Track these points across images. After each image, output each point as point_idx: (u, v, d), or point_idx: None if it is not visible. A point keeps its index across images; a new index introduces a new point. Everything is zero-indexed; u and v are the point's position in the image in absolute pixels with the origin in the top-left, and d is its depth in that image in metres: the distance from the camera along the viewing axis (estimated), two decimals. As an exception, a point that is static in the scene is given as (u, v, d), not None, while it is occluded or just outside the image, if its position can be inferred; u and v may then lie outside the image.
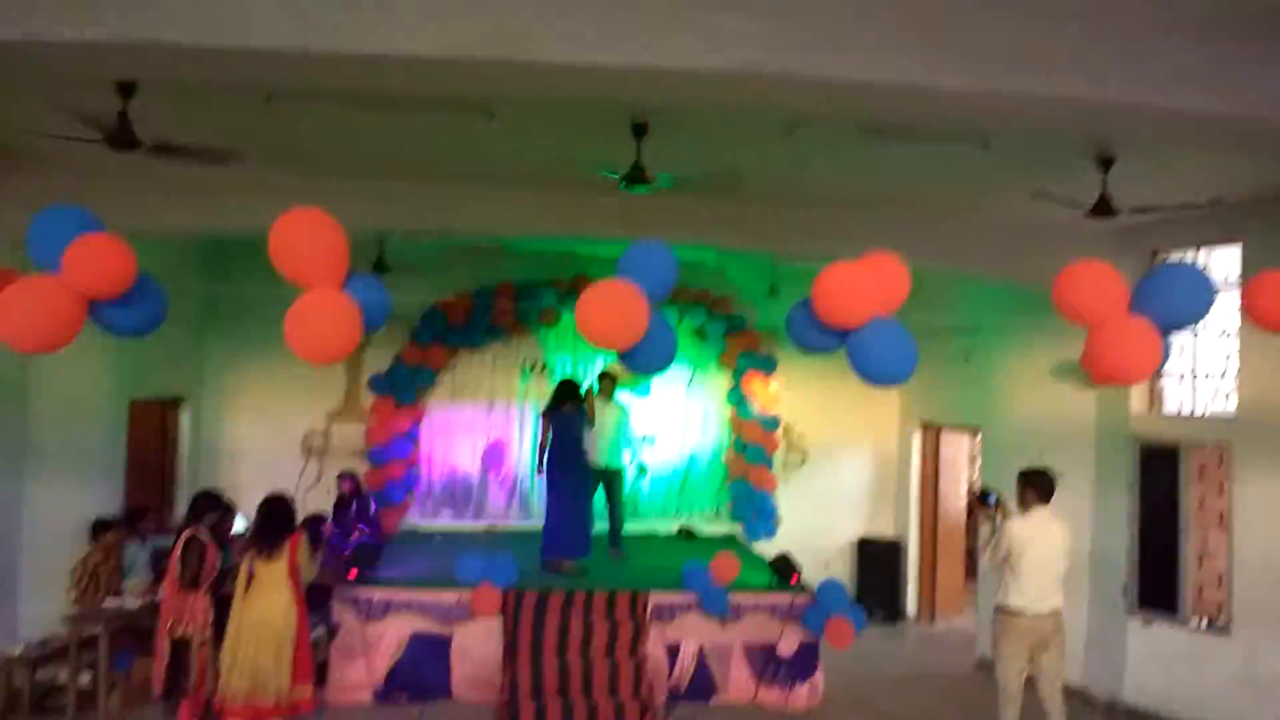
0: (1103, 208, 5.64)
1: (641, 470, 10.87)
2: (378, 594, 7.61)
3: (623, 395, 9.95)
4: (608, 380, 9.45)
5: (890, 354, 4.41)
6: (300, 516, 8.11)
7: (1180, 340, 7.44)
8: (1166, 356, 4.63)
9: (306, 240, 4.19)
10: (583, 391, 9.01)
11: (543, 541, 8.63)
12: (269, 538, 6.61)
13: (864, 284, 4.38)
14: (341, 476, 9.45)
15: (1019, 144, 5.51)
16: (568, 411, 8.71)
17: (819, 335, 4.56)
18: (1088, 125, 4.83)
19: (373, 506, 9.54)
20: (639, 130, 5.26)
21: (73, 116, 5.18)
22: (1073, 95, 4.13)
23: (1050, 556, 6.02)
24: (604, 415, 9.15)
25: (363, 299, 4.23)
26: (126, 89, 4.93)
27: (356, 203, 7.21)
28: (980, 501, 6.19)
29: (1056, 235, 7.39)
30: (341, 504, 9.25)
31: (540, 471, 8.84)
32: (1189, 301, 4.47)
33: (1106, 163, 5.53)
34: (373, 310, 4.35)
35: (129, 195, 6.65)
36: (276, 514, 6.72)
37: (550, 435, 8.74)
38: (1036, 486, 6.09)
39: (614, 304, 4.08)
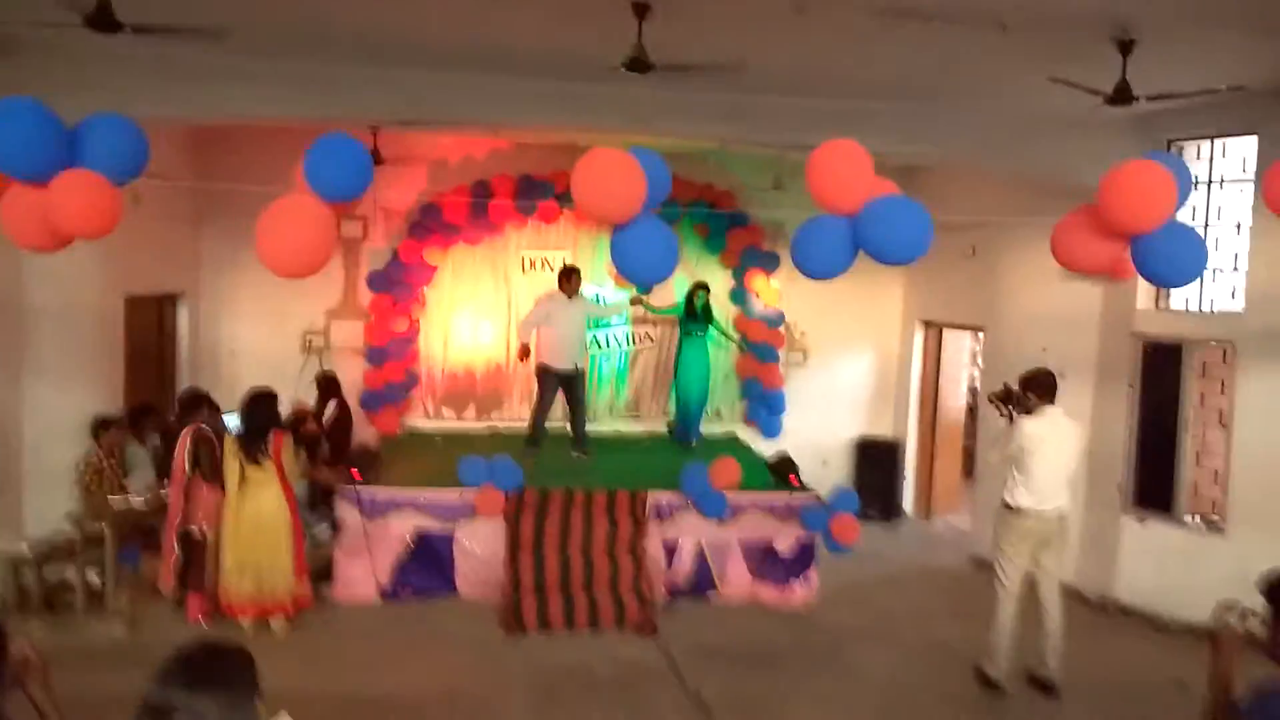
0: (1121, 94, 5.44)
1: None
2: (381, 493, 7.66)
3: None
4: (572, 275, 9.02)
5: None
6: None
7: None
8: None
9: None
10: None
11: None
12: (253, 437, 6.59)
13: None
14: (317, 381, 9.23)
15: (1038, 28, 5.28)
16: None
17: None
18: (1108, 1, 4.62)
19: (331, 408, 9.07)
20: (640, 10, 5.03)
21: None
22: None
23: (1061, 456, 6.01)
24: (566, 312, 8.86)
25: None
26: (107, -35, 4.71)
27: (349, 91, 7.01)
28: (1004, 398, 6.14)
29: (1071, 126, 7.19)
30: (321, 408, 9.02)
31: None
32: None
33: (1126, 46, 5.31)
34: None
35: (112, 83, 6.40)
36: (259, 410, 6.69)
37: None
38: (1037, 386, 6.04)
39: (612, 168, 3.97)
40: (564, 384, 9.02)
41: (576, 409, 9.18)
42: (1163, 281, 4.78)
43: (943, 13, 5.03)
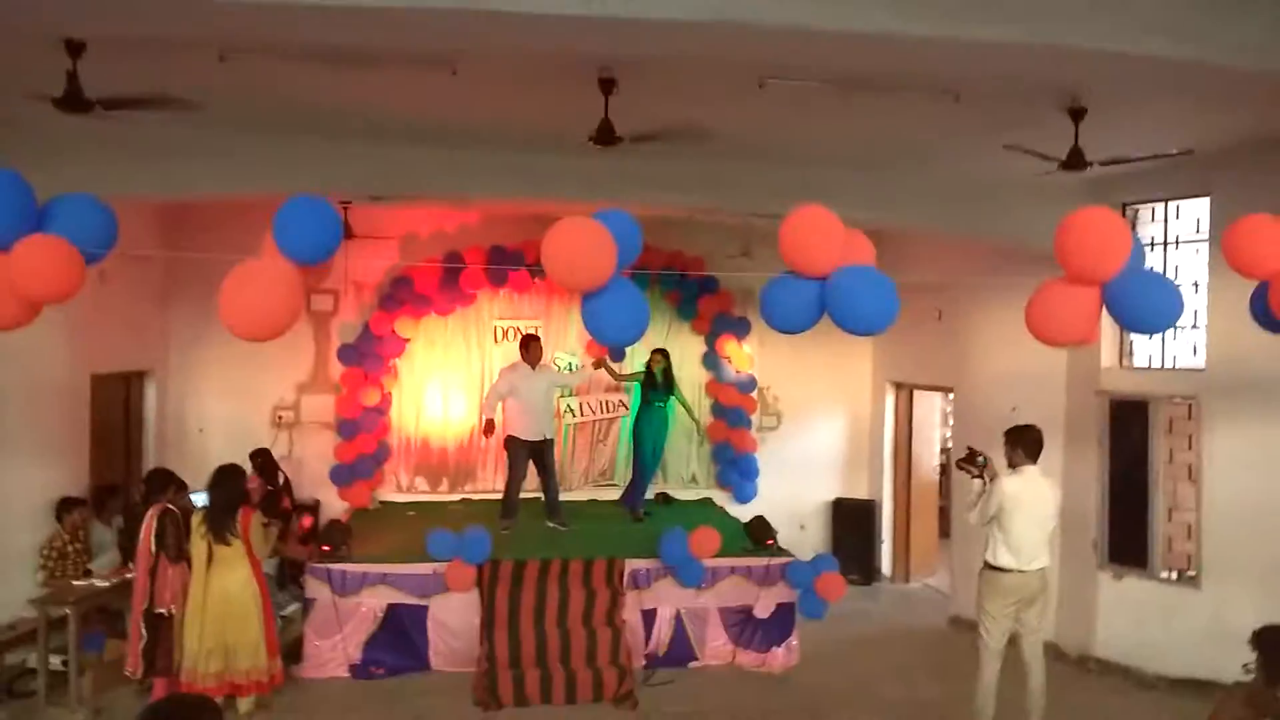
0: (1074, 160, 5.62)
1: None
2: (351, 568, 7.53)
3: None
4: (532, 343, 9.07)
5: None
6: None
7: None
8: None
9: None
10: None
11: None
12: (221, 515, 6.49)
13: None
14: (253, 460, 8.53)
15: (991, 97, 5.46)
16: None
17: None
18: (1056, 73, 4.80)
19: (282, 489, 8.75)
20: (607, 85, 5.15)
21: (21, 79, 5.00)
22: (1039, 42, 4.10)
23: (1040, 515, 6.03)
24: (529, 382, 8.86)
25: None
26: (75, 48, 4.76)
27: (319, 166, 7.09)
28: (969, 460, 6.18)
29: (1027, 190, 7.38)
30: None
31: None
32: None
33: (1077, 114, 5.49)
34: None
35: (81, 161, 6.44)
36: (226, 486, 6.59)
37: None
38: (1026, 444, 6.07)
39: (581, 236, 4.01)
40: (534, 454, 8.96)
41: (548, 479, 9.09)
42: (1141, 327, 4.82)
43: (895, 83, 5.19)
